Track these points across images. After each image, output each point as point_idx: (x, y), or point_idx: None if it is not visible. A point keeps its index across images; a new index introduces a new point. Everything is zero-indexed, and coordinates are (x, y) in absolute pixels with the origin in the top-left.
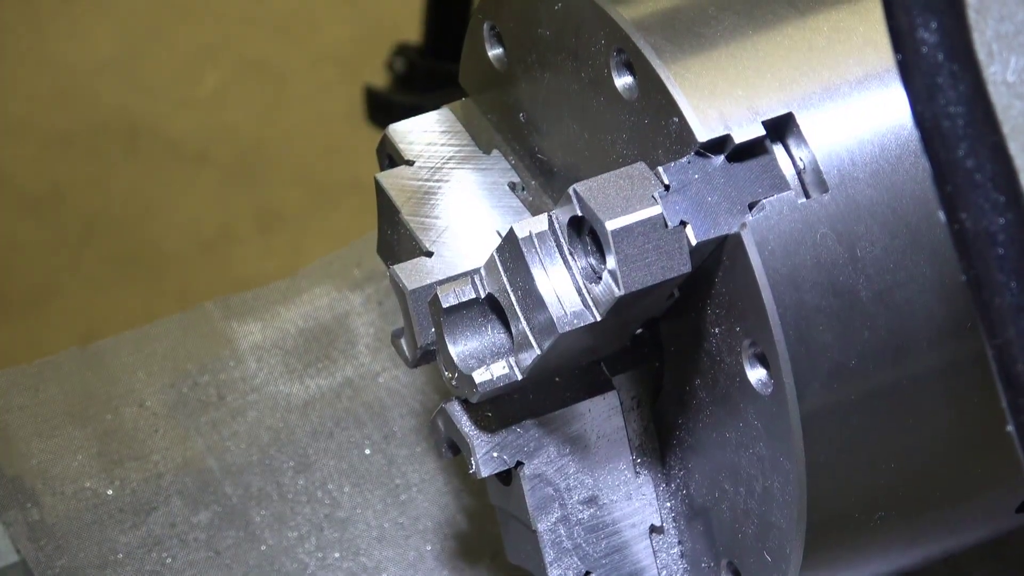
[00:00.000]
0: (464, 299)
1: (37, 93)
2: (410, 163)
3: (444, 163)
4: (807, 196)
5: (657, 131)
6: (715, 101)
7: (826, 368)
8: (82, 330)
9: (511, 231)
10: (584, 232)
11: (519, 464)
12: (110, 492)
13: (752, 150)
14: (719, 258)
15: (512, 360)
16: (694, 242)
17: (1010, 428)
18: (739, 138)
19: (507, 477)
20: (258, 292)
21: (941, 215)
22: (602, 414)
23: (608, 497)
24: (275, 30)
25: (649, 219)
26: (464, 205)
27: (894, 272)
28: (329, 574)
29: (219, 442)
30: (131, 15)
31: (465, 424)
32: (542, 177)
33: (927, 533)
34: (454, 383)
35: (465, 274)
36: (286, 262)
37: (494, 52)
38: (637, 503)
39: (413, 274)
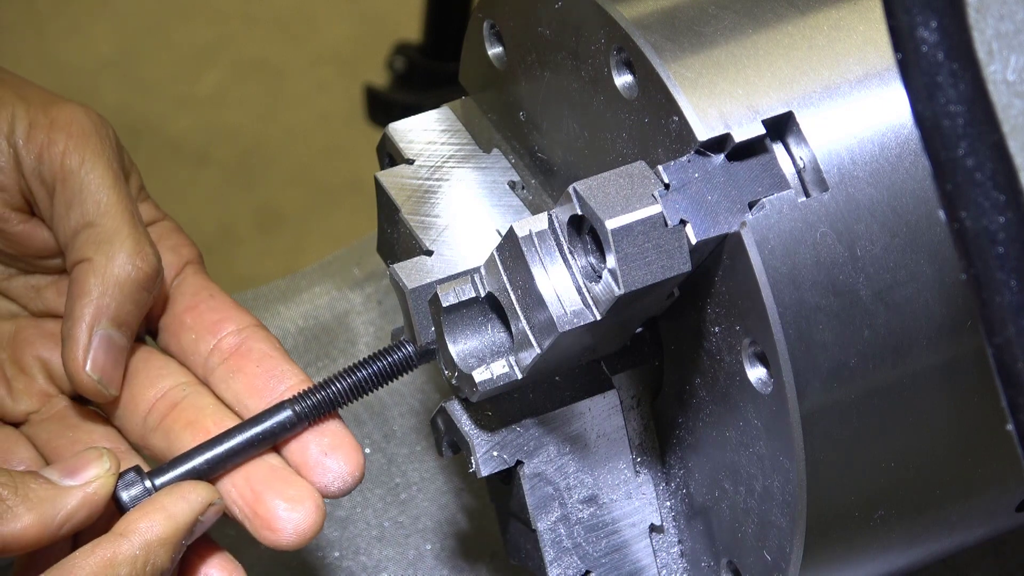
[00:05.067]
0: (464, 298)
1: None
2: (410, 162)
3: (444, 162)
4: (807, 195)
5: (657, 130)
6: (715, 100)
7: (826, 367)
8: None
9: (511, 230)
10: (584, 231)
11: (519, 463)
12: None
13: (752, 149)
14: (719, 257)
15: (512, 359)
16: (694, 241)
17: (1010, 427)
18: (739, 137)
19: (507, 476)
20: (258, 291)
21: (941, 214)
22: (602, 413)
23: (608, 496)
24: (275, 30)
25: (649, 218)
26: (464, 204)
27: (894, 271)
28: (329, 573)
29: None
30: (131, 15)
31: (465, 423)
32: (542, 176)
33: (927, 532)
34: (454, 382)
35: (465, 273)
36: (286, 262)
37: (494, 51)
38: (637, 502)
39: (413, 273)
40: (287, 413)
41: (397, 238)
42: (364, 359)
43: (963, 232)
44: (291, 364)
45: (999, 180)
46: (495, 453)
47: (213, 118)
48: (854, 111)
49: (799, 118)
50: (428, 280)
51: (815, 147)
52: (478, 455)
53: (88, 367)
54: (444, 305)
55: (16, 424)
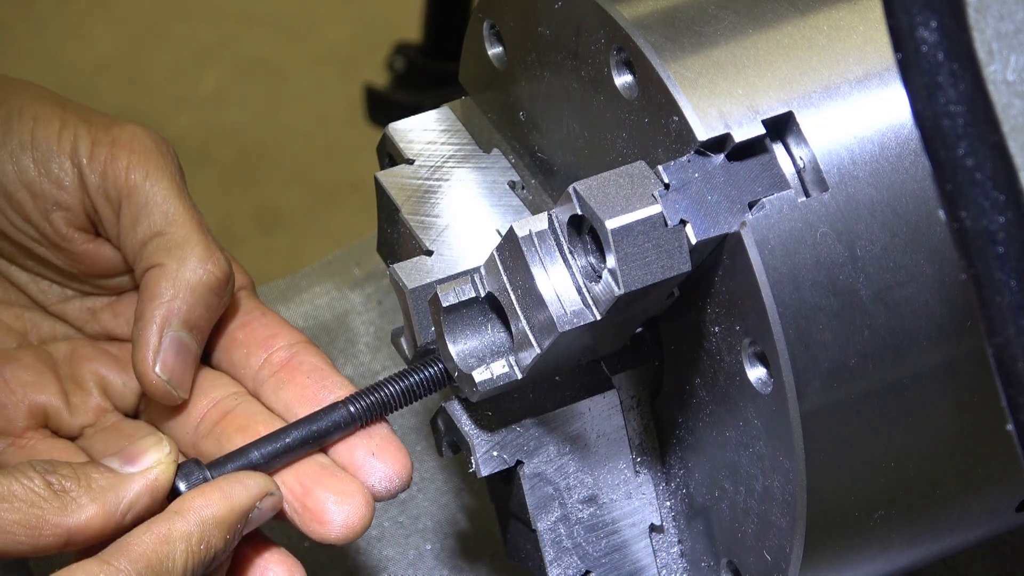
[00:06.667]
0: (464, 298)
1: None
2: (410, 162)
3: (444, 162)
4: (807, 195)
5: (657, 130)
6: (715, 100)
7: (826, 367)
8: None
9: (511, 230)
10: (584, 231)
11: (519, 463)
12: None
13: (752, 149)
14: (719, 257)
15: (512, 359)
16: (694, 241)
17: (1010, 426)
18: (739, 137)
19: (507, 476)
20: (258, 291)
21: (941, 214)
22: (602, 413)
23: (608, 496)
24: (275, 30)
25: (649, 218)
26: (464, 204)
27: (894, 271)
28: (328, 572)
29: None
30: (131, 15)
31: (465, 423)
32: (542, 176)
33: (927, 532)
34: (454, 382)
35: (465, 273)
36: (286, 262)
37: (494, 51)
38: (637, 502)
39: (413, 273)
40: (342, 412)
41: (397, 238)
42: (417, 364)
43: (963, 232)
44: (340, 377)
45: (999, 180)
46: (495, 453)
47: (213, 118)
48: (854, 111)
49: (799, 118)
50: (428, 280)
51: (815, 147)
52: (478, 455)
53: (158, 368)
54: (444, 305)
55: (72, 438)
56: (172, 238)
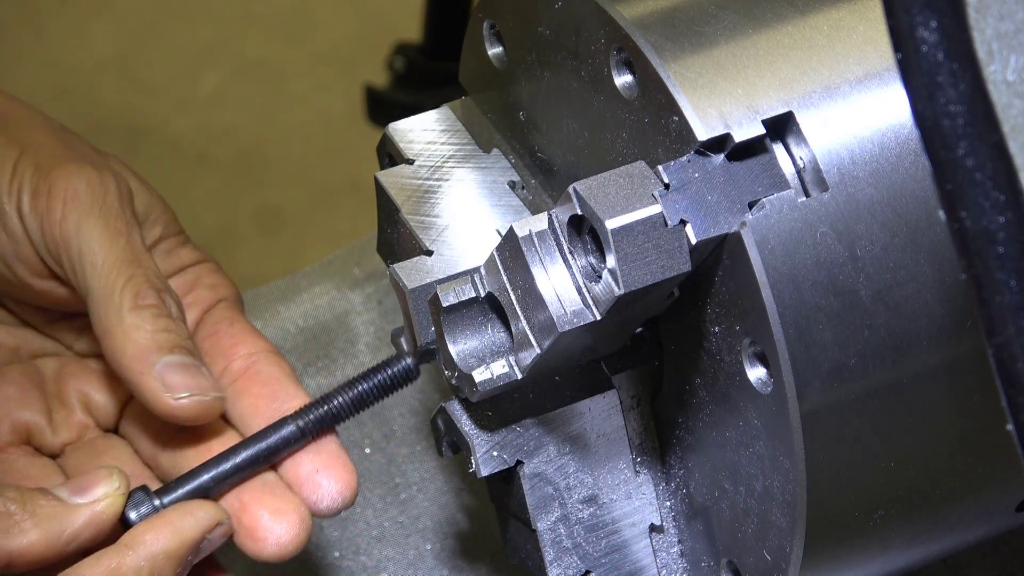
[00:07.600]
0: (464, 298)
1: (37, 93)
2: (410, 162)
3: (444, 162)
4: (807, 195)
5: (657, 130)
6: (715, 100)
7: (826, 367)
8: None
9: (511, 230)
10: (584, 231)
11: (519, 463)
12: None
13: (752, 149)
14: (719, 257)
15: (512, 359)
16: (694, 241)
17: (1010, 426)
18: (739, 137)
19: (507, 476)
20: (258, 292)
21: (941, 214)
22: (602, 413)
23: (608, 496)
24: (275, 30)
25: (649, 218)
26: (464, 204)
27: (894, 271)
28: (329, 573)
29: None
30: (130, 15)
31: (465, 423)
32: (542, 176)
33: (927, 532)
34: (454, 382)
35: (465, 273)
36: (286, 262)
37: (494, 51)
38: (637, 502)
39: (413, 273)
40: (290, 428)
41: (397, 238)
42: (363, 372)
43: (963, 232)
44: (297, 387)
45: (999, 180)
46: (495, 453)
47: (213, 118)
48: (854, 111)
49: (799, 118)
50: (428, 280)
51: (815, 147)
52: (478, 455)
53: (172, 397)
54: (444, 305)
55: (54, 455)
56: (98, 301)
